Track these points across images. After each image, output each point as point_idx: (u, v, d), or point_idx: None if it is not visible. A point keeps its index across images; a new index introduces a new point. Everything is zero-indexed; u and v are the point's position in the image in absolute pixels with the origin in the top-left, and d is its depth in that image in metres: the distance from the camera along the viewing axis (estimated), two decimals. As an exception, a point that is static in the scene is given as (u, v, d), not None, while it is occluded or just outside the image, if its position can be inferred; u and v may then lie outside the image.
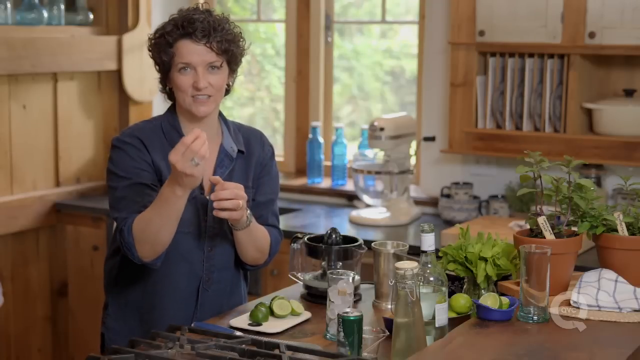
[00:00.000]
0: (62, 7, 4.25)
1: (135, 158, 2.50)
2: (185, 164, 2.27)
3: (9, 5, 4.04)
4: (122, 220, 2.45)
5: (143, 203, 2.44)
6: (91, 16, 4.43)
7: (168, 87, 2.57)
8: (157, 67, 2.56)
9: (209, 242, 2.57)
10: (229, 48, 2.51)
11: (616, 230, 2.45)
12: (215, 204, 2.38)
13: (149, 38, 2.56)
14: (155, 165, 2.51)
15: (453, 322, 2.25)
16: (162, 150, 2.52)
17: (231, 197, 2.38)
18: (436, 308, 2.18)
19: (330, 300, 2.29)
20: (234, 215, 2.41)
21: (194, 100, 2.49)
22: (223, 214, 2.39)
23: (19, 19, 4.09)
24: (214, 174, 2.55)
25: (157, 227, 2.39)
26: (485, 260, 2.40)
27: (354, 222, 3.97)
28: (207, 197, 2.52)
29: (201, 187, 2.54)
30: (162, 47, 2.49)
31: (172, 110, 2.60)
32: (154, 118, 2.65)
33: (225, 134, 2.62)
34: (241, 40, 2.57)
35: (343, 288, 2.28)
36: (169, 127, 2.56)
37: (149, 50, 2.56)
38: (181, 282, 2.56)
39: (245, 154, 2.63)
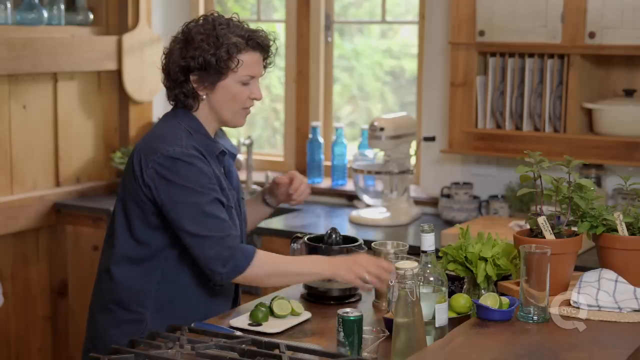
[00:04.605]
0: (62, 7, 4.24)
1: (205, 172, 2.42)
2: (385, 283, 2.40)
3: (9, 5, 4.04)
4: (234, 237, 2.40)
5: (233, 222, 2.44)
6: (91, 16, 4.43)
7: (202, 94, 2.47)
8: (199, 65, 2.44)
9: None
10: (269, 64, 2.57)
11: (616, 230, 2.45)
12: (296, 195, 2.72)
13: (181, 36, 2.50)
14: (216, 175, 2.48)
15: (453, 322, 2.25)
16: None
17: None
18: (436, 308, 2.18)
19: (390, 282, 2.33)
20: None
21: (242, 111, 2.51)
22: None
23: (19, 19, 4.09)
24: None
25: (280, 279, 2.49)
26: (485, 260, 2.40)
27: (354, 222, 3.97)
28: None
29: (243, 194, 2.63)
30: (230, 49, 2.44)
31: (190, 117, 2.50)
32: (175, 127, 2.48)
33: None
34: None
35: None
36: (200, 137, 2.49)
37: (195, 47, 2.44)
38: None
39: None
